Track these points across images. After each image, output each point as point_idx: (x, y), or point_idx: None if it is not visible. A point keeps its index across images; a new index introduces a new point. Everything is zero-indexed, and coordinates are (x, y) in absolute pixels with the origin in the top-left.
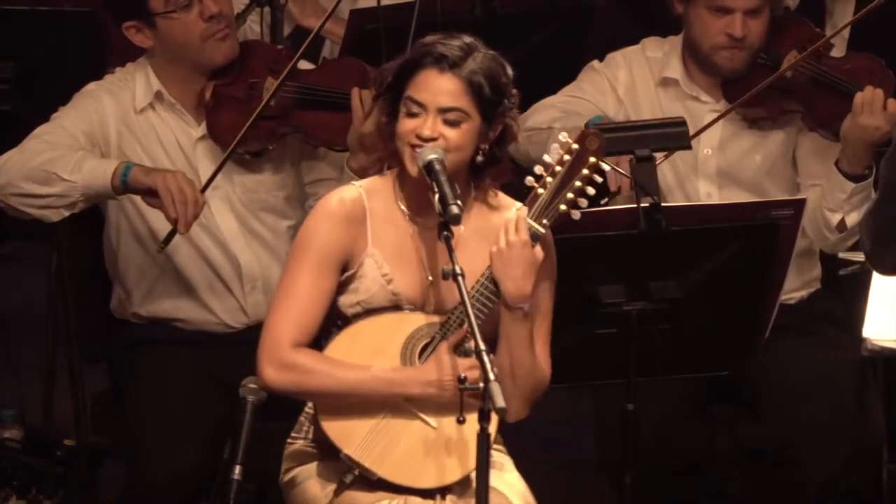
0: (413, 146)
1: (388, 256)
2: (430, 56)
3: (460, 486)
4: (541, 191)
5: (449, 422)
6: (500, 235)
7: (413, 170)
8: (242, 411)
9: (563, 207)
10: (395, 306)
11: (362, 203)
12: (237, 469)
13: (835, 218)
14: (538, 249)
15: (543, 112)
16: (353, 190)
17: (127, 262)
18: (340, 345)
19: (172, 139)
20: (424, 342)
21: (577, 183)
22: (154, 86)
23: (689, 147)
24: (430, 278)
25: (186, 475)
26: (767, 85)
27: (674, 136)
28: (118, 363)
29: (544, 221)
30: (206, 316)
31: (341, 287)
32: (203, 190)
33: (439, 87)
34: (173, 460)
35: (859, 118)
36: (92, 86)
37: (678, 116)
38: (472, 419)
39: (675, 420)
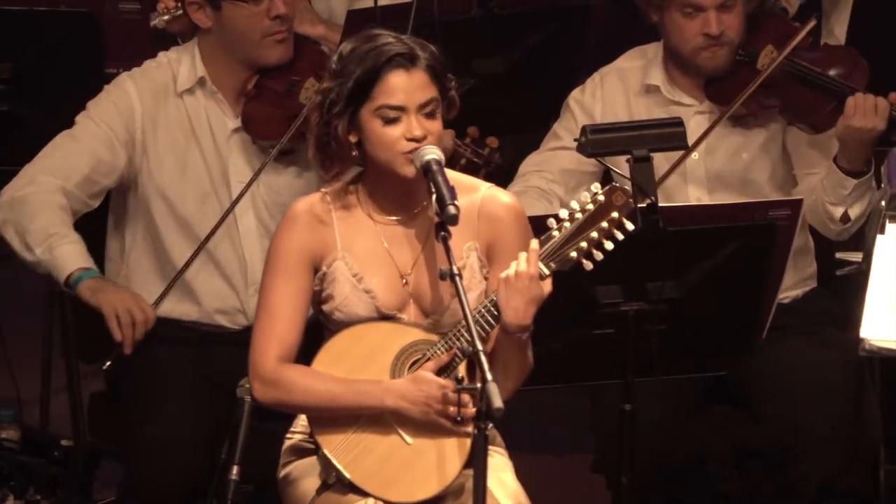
0: (407, 151)
1: (358, 257)
2: (390, 60)
3: (455, 489)
4: (555, 233)
5: (424, 440)
6: (511, 264)
7: (410, 171)
8: (240, 411)
9: (573, 255)
10: (385, 316)
11: (327, 206)
12: (234, 469)
13: (838, 211)
14: (547, 284)
15: (526, 177)
16: (317, 195)
17: (134, 275)
18: (339, 343)
19: (206, 128)
20: (416, 357)
21: (594, 234)
22: (199, 71)
23: (686, 147)
24: (405, 280)
25: (183, 475)
26: (753, 88)
27: (671, 136)
28: (115, 363)
29: (551, 264)
30: (204, 316)
31: (319, 296)
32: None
33: (413, 85)
34: (170, 461)
35: (852, 121)
36: (123, 77)
37: (675, 117)
38: (446, 443)
39: (673, 420)
